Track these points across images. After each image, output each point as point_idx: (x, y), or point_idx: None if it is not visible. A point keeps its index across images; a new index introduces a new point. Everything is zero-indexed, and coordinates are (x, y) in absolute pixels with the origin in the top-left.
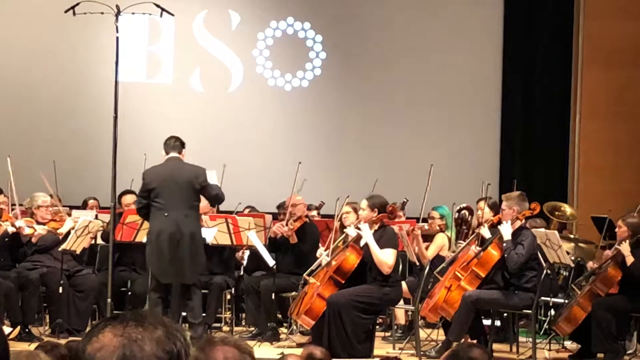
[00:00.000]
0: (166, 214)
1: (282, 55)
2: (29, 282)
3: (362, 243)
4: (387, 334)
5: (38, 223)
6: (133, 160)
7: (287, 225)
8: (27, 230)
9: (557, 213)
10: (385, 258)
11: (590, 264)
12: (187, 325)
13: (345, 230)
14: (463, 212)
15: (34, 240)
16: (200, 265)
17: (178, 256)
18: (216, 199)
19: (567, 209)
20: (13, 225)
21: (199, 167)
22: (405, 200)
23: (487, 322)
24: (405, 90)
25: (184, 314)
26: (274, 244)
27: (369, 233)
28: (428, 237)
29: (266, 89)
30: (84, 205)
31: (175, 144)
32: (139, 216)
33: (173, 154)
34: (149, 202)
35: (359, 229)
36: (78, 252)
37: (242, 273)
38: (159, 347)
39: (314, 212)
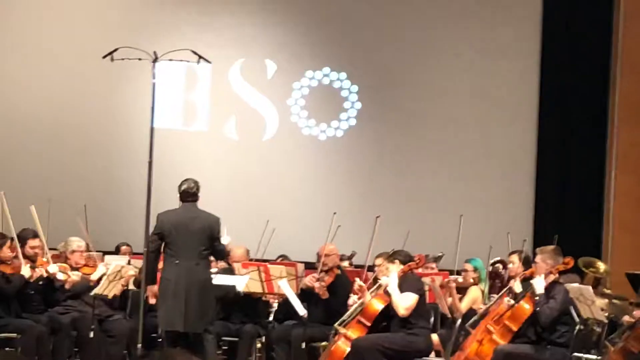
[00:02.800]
0: (177, 262)
1: (318, 105)
2: (61, 327)
3: (387, 290)
4: None
5: (72, 268)
6: (166, 206)
7: (319, 276)
8: (61, 276)
9: (591, 269)
10: (401, 300)
11: (627, 319)
12: None
13: (379, 280)
14: (497, 265)
15: (67, 286)
16: (209, 314)
17: (182, 304)
18: (221, 254)
19: (601, 265)
20: (47, 270)
21: (213, 216)
22: (440, 254)
23: None
24: (441, 142)
25: None
26: (305, 294)
27: (392, 279)
28: (461, 290)
29: (301, 138)
30: (116, 251)
31: (191, 190)
32: (150, 258)
33: (189, 200)
34: (160, 246)
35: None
36: (110, 297)
37: (271, 320)
38: None
39: (346, 262)
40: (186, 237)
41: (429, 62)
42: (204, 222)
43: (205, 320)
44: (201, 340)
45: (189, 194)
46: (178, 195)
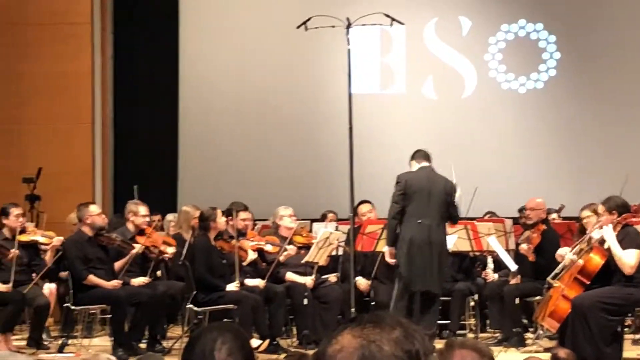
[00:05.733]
0: (419, 221)
1: (515, 58)
2: (275, 296)
3: (605, 245)
4: (637, 336)
5: (283, 238)
6: (368, 171)
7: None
8: (269, 247)
9: None
10: (627, 259)
11: None
12: None
13: (588, 232)
14: None
15: (282, 259)
16: (445, 276)
17: (429, 264)
18: (456, 219)
19: None
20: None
21: (451, 181)
22: None
23: None
24: None
25: None
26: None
27: (611, 234)
28: None
29: (500, 93)
30: (322, 219)
31: (426, 154)
32: (391, 223)
33: (425, 163)
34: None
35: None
36: (321, 264)
37: (493, 275)
38: (398, 346)
39: (555, 215)
40: (429, 198)
41: (628, 5)
42: (444, 185)
43: (443, 282)
44: (431, 303)
45: (427, 158)
46: (411, 159)
